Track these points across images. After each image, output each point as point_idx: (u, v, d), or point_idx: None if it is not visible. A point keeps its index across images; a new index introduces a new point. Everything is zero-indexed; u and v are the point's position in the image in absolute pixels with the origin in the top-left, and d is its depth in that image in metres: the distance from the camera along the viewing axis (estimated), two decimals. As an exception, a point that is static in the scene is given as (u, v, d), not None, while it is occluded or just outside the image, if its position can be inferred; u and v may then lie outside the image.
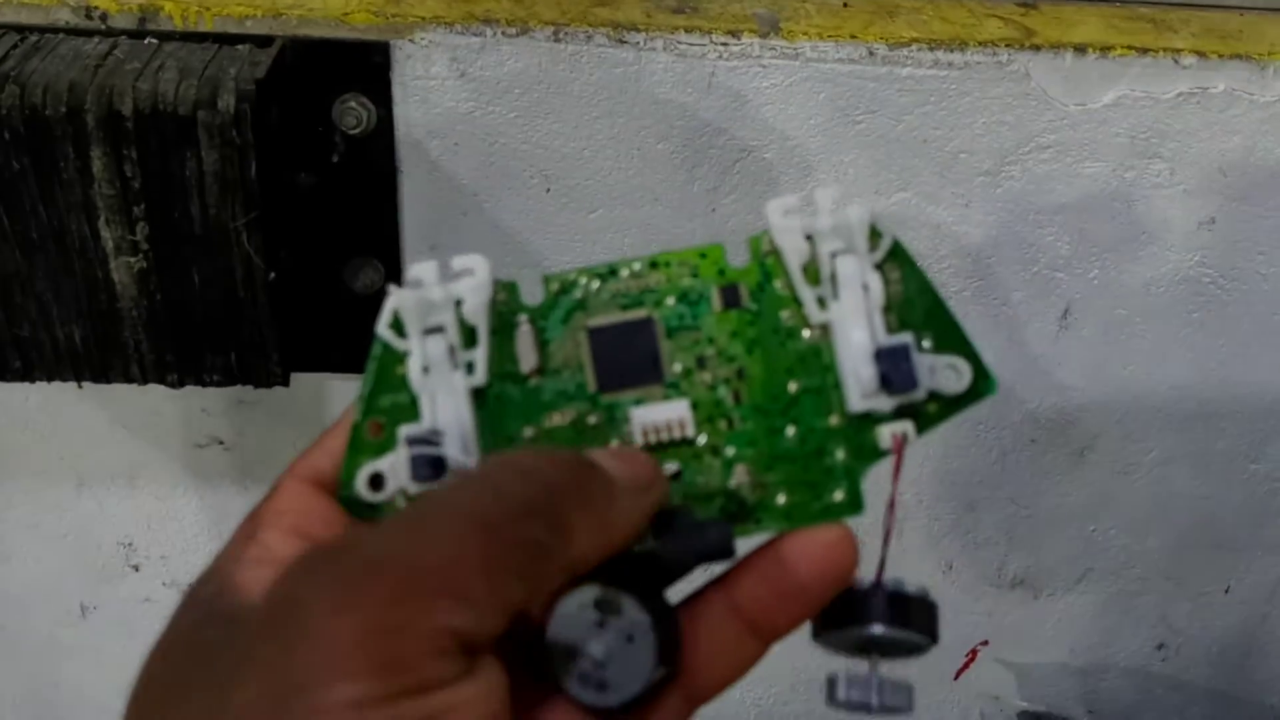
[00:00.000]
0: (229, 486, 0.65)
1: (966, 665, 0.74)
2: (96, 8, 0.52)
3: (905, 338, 0.27)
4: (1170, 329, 0.63)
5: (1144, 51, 0.55)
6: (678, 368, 0.28)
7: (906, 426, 0.27)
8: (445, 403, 0.27)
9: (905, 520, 0.68)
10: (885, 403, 0.27)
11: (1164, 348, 0.63)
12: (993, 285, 0.60)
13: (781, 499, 0.27)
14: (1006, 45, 0.55)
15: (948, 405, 0.27)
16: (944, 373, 0.27)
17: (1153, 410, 0.65)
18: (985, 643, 0.73)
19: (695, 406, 0.27)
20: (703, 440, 0.27)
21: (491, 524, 0.21)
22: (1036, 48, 0.55)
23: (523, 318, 0.28)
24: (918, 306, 0.28)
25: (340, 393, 0.62)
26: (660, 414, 0.27)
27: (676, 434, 0.27)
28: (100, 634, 0.70)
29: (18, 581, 0.69)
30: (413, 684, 0.19)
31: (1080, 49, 0.55)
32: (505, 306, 0.29)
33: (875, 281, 0.28)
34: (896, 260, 0.29)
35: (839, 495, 0.27)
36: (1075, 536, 0.70)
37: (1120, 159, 0.57)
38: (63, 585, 0.69)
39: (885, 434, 0.27)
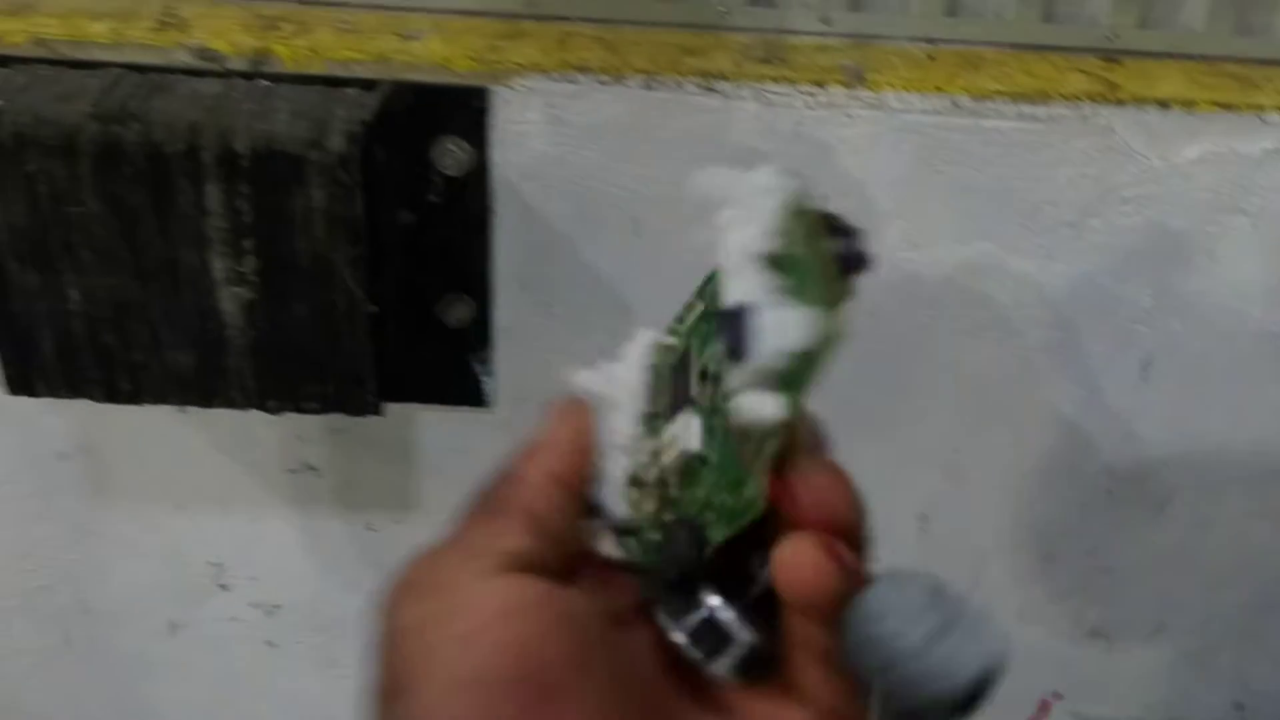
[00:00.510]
0: (319, 511, 0.67)
1: (1038, 716, 0.74)
2: (214, 50, 0.55)
3: (749, 299, 0.25)
4: (1252, 385, 0.62)
5: (1228, 107, 0.56)
6: None
7: (764, 401, 0.25)
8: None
9: (979, 567, 0.68)
10: (743, 373, 0.25)
11: (1245, 403, 0.63)
12: (1074, 336, 0.61)
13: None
14: (1090, 99, 0.56)
15: (802, 361, 0.24)
16: (782, 326, 0.25)
17: (1233, 465, 0.65)
18: (1058, 695, 0.73)
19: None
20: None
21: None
22: (1120, 102, 0.56)
23: None
24: (792, 269, 0.26)
25: (430, 423, 0.64)
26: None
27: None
28: (188, 652, 0.73)
29: (112, 597, 0.71)
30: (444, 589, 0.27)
31: (1164, 104, 0.56)
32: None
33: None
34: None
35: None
36: (1152, 590, 0.69)
37: (1204, 214, 0.58)
38: (154, 602, 0.71)
39: (744, 405, 0.25)
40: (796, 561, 0.26)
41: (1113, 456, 0.64)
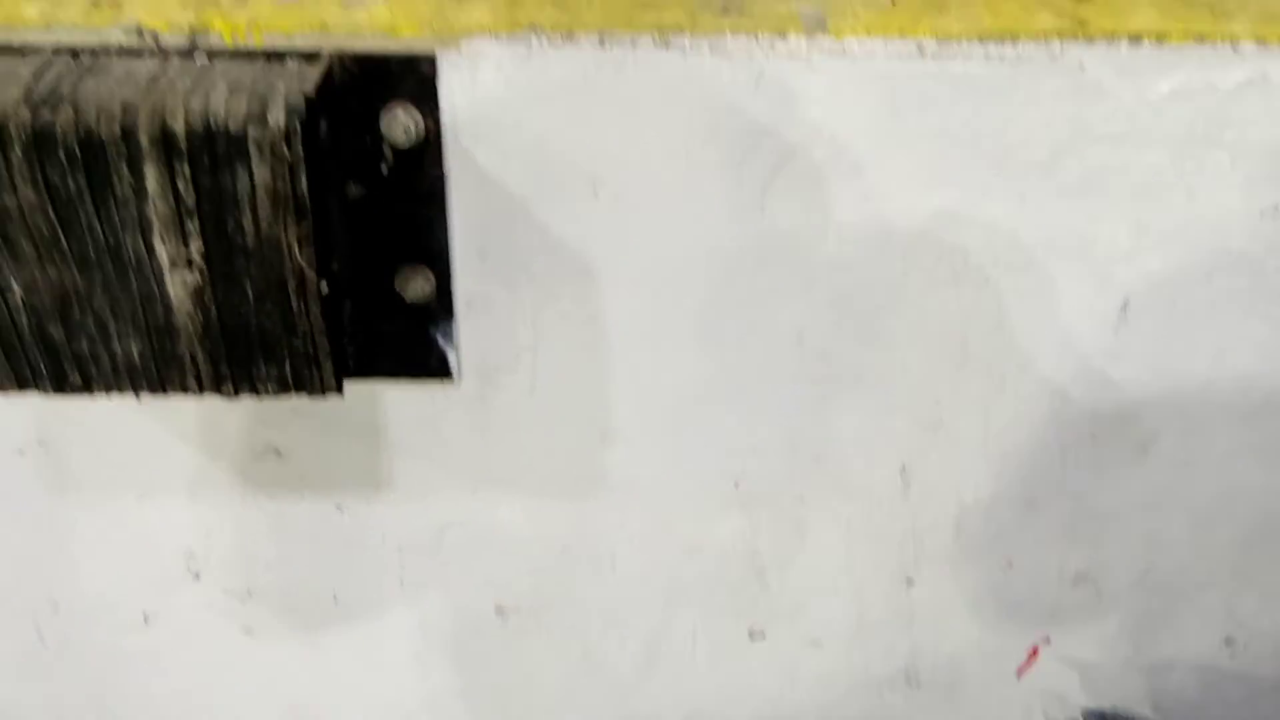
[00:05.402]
0: (286, 495, 0.66)
1: (1028, 663, 0.73)
2: (149, 28, 0.52)
3: None
4: (1234, 320, 0.61)
5: (1201, 39, 0.54)
6: None
7: None
8: None
9: (963, 517, 0.67)
10: None
11: (1228, 340, 0.62)
12: (1047, 280, 0.59)
13: None
14: (1059, 36, 0.54)
15: None
16: None
17: (1217, 404, 0.64)
18: (1047, 640, 0.72)
19: None
20: None
21: None
22: (1090, 38, 0.54)
23: None
24: None
25: (395, 400, 0.63)
26: None
27: None
28: (163, 642, 0.72)
29: (83, 592, 0.70)
30: None
31: (1135, 38, 0.54)
32: None
33: None
34: None
35: None
36: (1138, 532, 0.69)
37: (1179, 149, 0.56)
38: (126, 594, 0.70)
39: None
40: None
41: (1094, 400, 0.63)
